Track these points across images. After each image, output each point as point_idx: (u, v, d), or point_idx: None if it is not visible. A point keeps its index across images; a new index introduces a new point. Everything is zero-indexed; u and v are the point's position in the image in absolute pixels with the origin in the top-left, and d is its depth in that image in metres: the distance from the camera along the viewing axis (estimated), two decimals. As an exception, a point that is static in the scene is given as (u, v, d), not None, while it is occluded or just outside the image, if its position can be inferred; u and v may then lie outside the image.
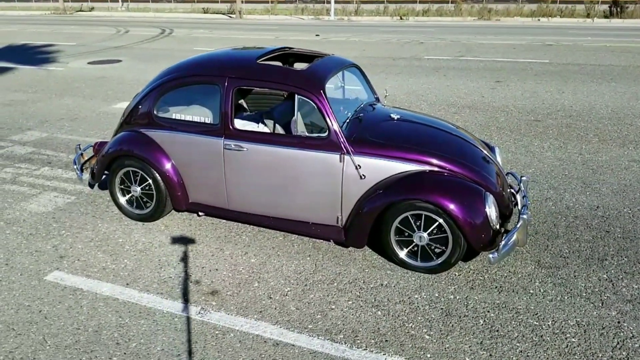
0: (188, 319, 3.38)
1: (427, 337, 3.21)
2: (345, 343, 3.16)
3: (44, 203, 5.07)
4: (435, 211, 3.66)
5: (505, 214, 4.01)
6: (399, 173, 3.84)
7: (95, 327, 3.30)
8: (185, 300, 3.57)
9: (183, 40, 18.38)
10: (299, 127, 3.97)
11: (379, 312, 3.44)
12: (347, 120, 4.08)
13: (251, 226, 4.53)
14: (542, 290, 3.66)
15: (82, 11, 36.68)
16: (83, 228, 4.57)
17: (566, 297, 3.58)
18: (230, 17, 30.76)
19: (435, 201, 3.62)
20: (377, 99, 4.87)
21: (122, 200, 4.67)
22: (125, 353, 3.08)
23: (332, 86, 4.34)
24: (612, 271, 3.88)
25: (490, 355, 3.06)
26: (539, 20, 25.35)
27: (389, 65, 12.39)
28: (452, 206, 3.60)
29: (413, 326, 3.31)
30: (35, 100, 9.18)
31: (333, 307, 3.50)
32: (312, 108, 3.92)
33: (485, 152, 4.24)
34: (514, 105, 8.54)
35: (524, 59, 12.79)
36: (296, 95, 3.92)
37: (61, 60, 14.02)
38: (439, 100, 8.97)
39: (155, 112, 4.41)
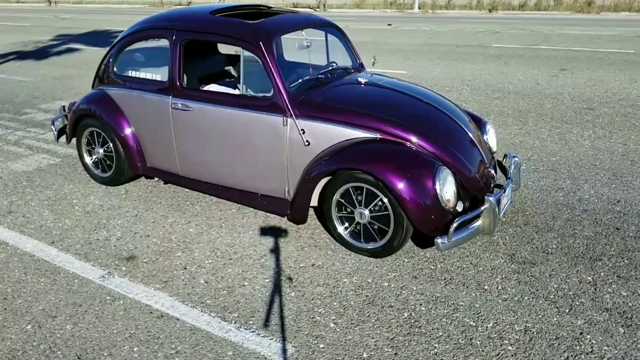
0: (88, 281, 3.15)
1: (332, 325, 2.72)
2: (235, 323, 2.76)
3: (29, 163, 5.13)
4: (375, 184, 3.13)
5: (477, 197, 3.37)
6: (346, 140, 3.34)
7: (-4, 280, 3.18)
8: (97, 263, 3.34)
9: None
10: (244, 85, 3.60)
11: (293, 294, 3.00)
12: (300, 81, 3.64)
13: (209, 196, 4.23)
14: (499, 288, 3.01)
15: (180, 5, 38.69)
16: (48, 188, 4.53)
17: (526, 298, 2.91)
18: (315, 10, 30.88)
19: (375, 173, 3.09)
20: (361, 65, 4.35)
21: (88, 161, 4.57)
22: (6, 309, 2.91)
23: (294, 44, 3.93)
24: (602, 274, 3.12)
25: (396, 354, 2.52)
26: (647, 12, 22.68)
27: (449, 51, 11.56)
28: (393, 179, 3.05)
29: (322, 312, 2.83)
30: (82, 75, 9.57)
31: (245, 283, 3.10)
32: (260, 64, 3.53)
33: (461, 124, 3.59)
34: (568, 93, 7.52)
35: (604, 49, 11.37)
36: (242, 49, 3.55)
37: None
38: (485, 85, 8.14)
39: (114, 70, 4.25)
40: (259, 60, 3.46)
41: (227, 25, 3.67)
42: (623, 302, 2.87)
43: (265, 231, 3.70)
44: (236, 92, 3.81)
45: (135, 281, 3.15)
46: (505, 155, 3.97)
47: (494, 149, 3.96)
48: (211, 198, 4.22)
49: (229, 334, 2.67)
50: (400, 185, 3.04)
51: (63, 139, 4.84)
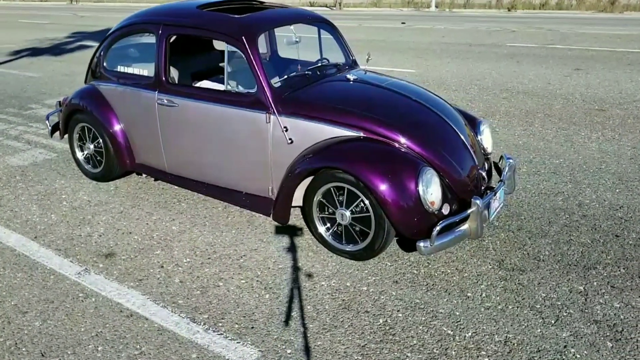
0: (63, 278, 3.10)
1: (303, 329, 2.63)
2: (204, 324, 2.68)
3: (25, 158, 5.13)
4: (356, 185, 3.02)
5: (466, 200, 3.23)
6: (329, 138, 3.24)
7: (-27, 274, 3.15)
8: (76, 259, 3.30)
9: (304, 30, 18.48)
10: (229, 80, 3.52)
11: (267, 296, 2.91)
12: (286, 77, 3.55)
13: (197, 194, 4.16)
14: (483, 295, 2.87)
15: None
16: (40, 183, 4.52)
17: (510, 307, 2.77)
18: (331, 8, 30.74)
19: (355, 172, 2.99)
20: (354, 62, 4.23)
21: (80, 156, 4.54)
22: (-23, 304, 2.87)
23: (274, 41, 3.83)
24: (595, 283, 2.96)
25: (365, 362, 2.40)
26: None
27: (461, 50, 11.34)
28: (373, 179, 2.94)
29: (295, 316, 2.73)
30: (91, 71, 9.59)
31: (220, 284, 3.02)
32: (244, 60, 3.44)
33: (452, 124, 3.45)
34: (580, 94, 7.29)
35: (623, 49, 11.03)
36: (226, 44, 3.47)
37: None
38: (493, 85, 7.94)
39: (104, 65, 4.21)
40: (243, 56, 3.37)
41: (211, 19, 3.60)
42: (614, 314, 2.72)
43: (248, 231, 3.62)
44: (221, 87, 3.73)
45: (111, 279, 3.09)
46: (501, 157, 3.82)
47: (489, 149, 3.81)
48: (199, 196, 4.15)
49: (196, 336, 2.59)
50: (381, 186, 2.92)
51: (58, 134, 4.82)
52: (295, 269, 3.16)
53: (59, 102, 5.03)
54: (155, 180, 4.40)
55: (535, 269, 3.11)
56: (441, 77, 8.58)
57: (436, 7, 26.97)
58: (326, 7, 32.10)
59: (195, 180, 3.89)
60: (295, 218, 3.71)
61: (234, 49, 3.42)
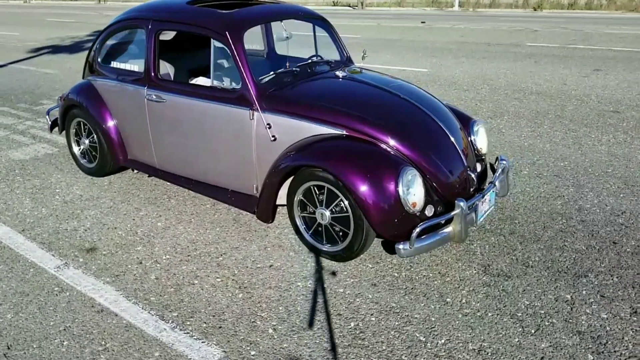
0: (43, 271, 3.11)
1: (271, 331, 2.56)
2: (173, 322, 2.63)
3: (27, 152, 5.19)
4: (335, 184, 2.94)
5: (452, 202, 3.12)
6: (312, 136, 3.17)
7: (-45, 265, 3.18)
8: (58, 253, 3.30)
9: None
10: (215, 77, 3.49)
11: (241, 295, 2.85)
12: (273, 73, 3.49)
13: (188, 191, 4.14)
14: (463, 301, 2.76)
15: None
16: (37, 177, 4.56)
17: (490, 314, 2.66)
18: (354, 8, 30.61)
19: (334, 171, 2.91)
20: (349, 59, 4.15)
21: (76, 151, 4.57)
22: (-46, 295, 2.89)
23: (261, 36, 3.77)
24: (584, 292, 2.82)
25: (330, 367, 2.33)
26: None
27: (478, 50, 11.12)
28: (352, 179, 2.86)
29: (265, 316, 2.67)
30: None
31: (195, 282, 2.98)
32: (229, 55, 3.40)
33: (441, 124, 3.32)
34: (596, 95, 7.05)
35: (649, 49, 10.67)
36: (212, 40, 3.43)
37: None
38: (506, 85, 7.74)
39: (99, 60, 4.22)
40: (227, 51, 3.33)
41: (198, 14, 3.56)
42: (600, 325, 2.58)
43: (232, 229, 3.58)
44: (208, 83, 3.70)
45: (88, 273, 3.08)
46: (497, 158, 3.68)
47: (484, 150, 3.68)
48: (189, 192, 4.13)
49: (162, 334, 2.55)
50: (360, 186, 2.84)
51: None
52: (274, 268, 3.10)
53: (60, 97, 5.06)
54: (149, 176, 4.39)
55: (522, 275, 2.98)
56: (453, 76, 8.41)
57: (460, 6, 26.60)
58: (349, 6, 31.98)
59: (184, 177, 3.86)
60: (283, 217, 3.64)
61: (220, 44, 3.38)
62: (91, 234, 3.54)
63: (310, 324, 2.61)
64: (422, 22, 17.49)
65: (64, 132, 4.74)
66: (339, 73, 3.60)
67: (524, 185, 4.18)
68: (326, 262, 3.14)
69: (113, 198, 4.10)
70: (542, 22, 17.57)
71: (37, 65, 10.29)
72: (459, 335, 2.52)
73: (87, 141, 4.39)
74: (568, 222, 3.58)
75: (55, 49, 12.34)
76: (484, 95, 7.12)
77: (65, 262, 3.20)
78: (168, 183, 4.24)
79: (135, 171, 4.35)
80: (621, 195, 3.98)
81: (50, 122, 4.85)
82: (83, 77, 4.53)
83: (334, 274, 3.03)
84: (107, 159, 4.26)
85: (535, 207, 3.80)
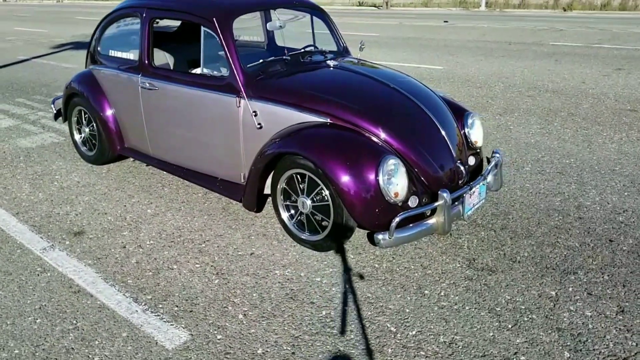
0: (29, 252, 3.15)
1: (241, 317, 2.54)
2: (145, 305, 2.64)
3: (35, 140, 5.30)
4: (316, 172, 2.90)
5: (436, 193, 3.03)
6: (296, 124, 3.14)
7: (-53, 245, 3.25)
8: (46, 236, 3.35)
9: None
10: (205, 64, 3.49)
11: (217, 281, 2.84)
12: (261, 61, 3.46)
13: (182, 179, 4.15)
14: (441, 294, 2.69)
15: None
16: (40, 164, 4.64)
17: (467, 308, 2.57)
18: (378, 8, 30.48)
19: (314, 159, 2.87)
20: (345, 49, 4.10)
21: (77, 139, 4.63)
22: (-61, 272, 2.96)
23: (257, 24, 3.76)
24: (570, 289, 2.71)
25: (294, 353, 2.30)
26: None
27: (497, 48, 10.91)
28: (332, 167, 2.81)
29: (237, 302, 2.65)
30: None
31: (174, 267, 2.98)
32: (217, 42, 3.39)
33: (431, 115, 3.23)
34: (614, 94, 6.82)
35: (678, 49, 10.29)
36: (201, 27, 3.43)
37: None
38: (522, 82, 7.56)
39: (98, 49, 4.27)
40: (216, 38, 3.32)
41: (189, 2, 3.57)
42: (582, 322, 2.47)
43: (220, 217, 3.57)
44: (197, 71, 3.70)
45: (72, 256, 3.11)
46: (493, 152, 3.58)
47: (479, 143, 3.58)
48: (183, 181, 4.14)
49: (133, 316, 2.55)
50: (339, 174, 2.79)
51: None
52: (255, 256, 3.08)
53: (66, 86, 5.15)
54: (147, 165, 4.42)
55: (508, 270, 2.89)
56: (468, 74, 8.27)
57: (487, 6, 26.22)
58: (374, 6, 31.84)
59: (176, 165, 3.87)
60: (270, 206, 3.61)
61: (209, 31, 3.37)
62: (81, 219, 3.58)
63: (282, 311, 2.57)
64: (444, 22, 17.27)
65: (65, 122, 4.81)
66: (331, 62, 3.56)
67: (523, 181, 4.06)
68: (308, 252, 3.10)
69: (108, 185, 4.14)
70: (569, 22, 17.16)
71: (58, 60, 10.52)
72: (432, 327, 2.44)
73: (87, 129, 4.45)
74: (564, 219, 3.46)
75: (78, 45, 12.61)
76: (496, 93, 6.97)
77: (52, 245, 3.24)
78: (164, 172, 4.26)
79: (134, 160, 4.38)
80: (625, 194, 3.83)
81: (55, 111, 4.94)
82: (85, 67, 4.59)
83: (313, 263, 2.99)
84: (105, 147, 4.30)
85: (532, 203, 3.69)
